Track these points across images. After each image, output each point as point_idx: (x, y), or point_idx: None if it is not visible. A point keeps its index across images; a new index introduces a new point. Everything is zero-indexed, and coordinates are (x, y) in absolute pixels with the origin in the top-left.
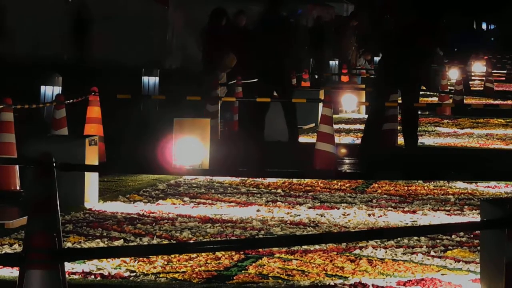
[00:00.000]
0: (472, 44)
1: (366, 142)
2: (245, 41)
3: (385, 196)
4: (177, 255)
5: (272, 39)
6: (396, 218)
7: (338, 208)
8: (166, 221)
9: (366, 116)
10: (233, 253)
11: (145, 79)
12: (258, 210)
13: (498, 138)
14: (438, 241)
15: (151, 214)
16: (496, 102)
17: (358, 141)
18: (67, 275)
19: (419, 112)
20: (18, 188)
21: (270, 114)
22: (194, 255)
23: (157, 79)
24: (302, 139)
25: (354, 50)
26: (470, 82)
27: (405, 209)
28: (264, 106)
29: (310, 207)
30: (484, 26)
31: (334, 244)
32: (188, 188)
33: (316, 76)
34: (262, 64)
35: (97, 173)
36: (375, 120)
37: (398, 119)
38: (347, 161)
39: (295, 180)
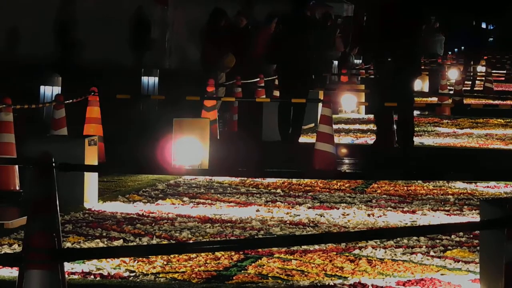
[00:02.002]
0: (474, 43)
1: (378, 142)
2: (244, 40)
3: (384, 196)
4: (176, 255)
5: (297, 39)
6: (395, 218)
7: (338, 208)
8: (166, 221)
9: (365, 117)
10: (233, 253)
11: (144, 79)
12: (257, 210)
13: (498, 138)
14: (437, 241)
15: (150, 214)
16: (496, 102)
17: (358, 141)
18: (66, 275)
19: (419, 112)
20: (17, 188)
21: (269, 114)
22: (194, 255)
23: (156, 79)
24: (302, 139)
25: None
26: (467, 82)
27: (404, 209)
28: (287, 103)
29: (309, 207)
30: (483, 26)
31: (334, 244)
32: (187, 188)
33: (313, 76)
34: (287, 64)
35: (96, 173)
36: (380, 121)
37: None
38: (347, 161)
39: (294, 180)
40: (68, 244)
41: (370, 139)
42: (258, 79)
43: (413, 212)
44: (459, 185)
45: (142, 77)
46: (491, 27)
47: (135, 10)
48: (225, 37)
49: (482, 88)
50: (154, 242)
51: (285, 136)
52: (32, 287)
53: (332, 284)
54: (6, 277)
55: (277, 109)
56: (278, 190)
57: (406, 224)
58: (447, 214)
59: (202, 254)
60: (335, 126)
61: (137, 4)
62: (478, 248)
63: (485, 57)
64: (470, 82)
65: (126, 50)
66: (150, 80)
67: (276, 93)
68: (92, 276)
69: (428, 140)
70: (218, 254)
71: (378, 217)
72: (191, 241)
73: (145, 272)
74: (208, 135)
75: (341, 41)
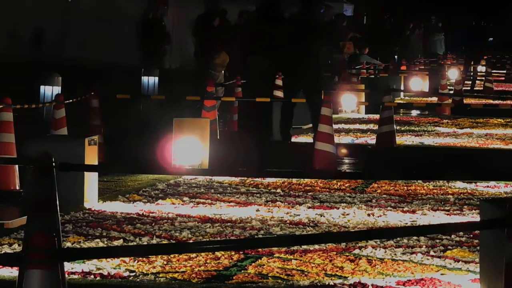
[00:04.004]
0: (474, 43)
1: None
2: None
3: (384, 196)
4: (176, 255)
5: (305, 40)
6: (395, 218)
7: (338, 208)
8: (166, 221)
9: (365, 117)
10: (233, 253)
11: (144, 79)
12: (257, 210)
13: (498, 138)
14: (437, 241)
15: (150, 214)
16: (496, 102)
17: (358, 141)
18: (66, 275)
19: (419, 112)
20: (17, 188)
21: (269, 114)
22: (194, 255)
23: (156, 79)
24: (302, 139)
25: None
26: (467, 82)
27: (404, 209)
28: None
29: (309, 207)
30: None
31: (334, 244)
32: (187, 188)
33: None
34: (293, 63)
35: (96, 173)
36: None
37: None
38: (346, 161)
39: (294, 180)
40: (68, 244)
41: (370, 139)
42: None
43: (413, 212)
44: (459, 185)
45: (142, 77)
46: (491, 27)
47: (143, 11)
48: (217, 36)
49: (482, 88)
50: (154, 242)
51: (286, 135)
52: (32, 287)
53: (332, 284)
54: (6, 277)
55: (281, 109)
56: (278, 190)
57: (406, 224)
58: (447, 214)
59: (202, 254)
60: (335, 126)
61: (138, 5)
62: (478, 248)
63: (485, 57)
64: (470, 82)
65: (127, 50)
66: (150, 80)
67: (277, 93)
68: (92, 276)
69: (428, 140)
70: (218, 254)
71: (378, 217)
72: (191, 241)
73: (145, 272)
74: (208, 135)
75: (352, 43)
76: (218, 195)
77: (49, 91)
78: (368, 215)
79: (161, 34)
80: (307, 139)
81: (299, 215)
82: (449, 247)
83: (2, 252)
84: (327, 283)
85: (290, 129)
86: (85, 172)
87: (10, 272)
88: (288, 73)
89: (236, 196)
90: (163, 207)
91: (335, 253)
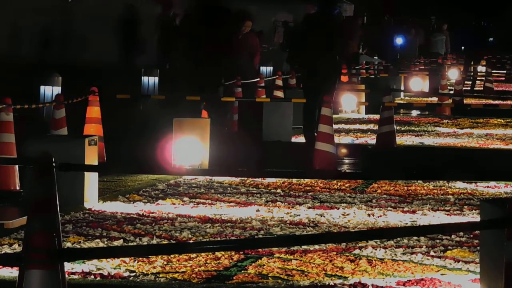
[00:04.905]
0: (474, 43)
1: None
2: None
3: (384, 196)
4: (176, 255)
5: (322, 38)
6: (395, 218)
7: (338, 208)
8: (166, 221)
9: (365, 117)
10: (233, 253)
11: (145, 79)
12: (257, 210)
13: (498, 138)
14: (437, 241)
15: (150, 214)
16: (496, 102)
17: (358, 141)
18: (66, 275)
19: (419, 112)
20: (17, 188)
21: (269, 114)
22: (194, 255)
23: (156, 79)
24: (302, 139)
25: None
26: (467, 82)
27: (404, 209)
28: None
29: (309, 207)
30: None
31: (334, 244)
32: (187, 188)
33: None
34: (311, 63)
35: (96, 173)
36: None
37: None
38: (346, 161)
39: (294, 180)
40: (68, 244)
41: (370, 139)
42: (258, 79)
43: (413, 212)
44: (459, 185)
45: (142, 77)
46: (491, 27)
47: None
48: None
49: (482, 88)
50: (154, 242)
51: (310, 139)
52: (32, 287)
53: (332, 284)
54: (6, 277)
55: (303, 111)
56: (278, 190)
57: (406, 224)
58: (447, 214)
59: (202, 254)
60: (335, 126)
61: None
62: (478, 248)
63: (485, 57)
64: (470, 82)
65: (127, 50)
66: (150, 80)
67: (277, 93)
68: (92, 276)
69: (428, 140)
70: (218, 254)
71: (378, 217)
72: (191, 241)
73: (145, 272)
74: (208, 135)
75: (356, 41)
76: (218, 195)
77: (49, 91)
78: (368, 215)
79: (174, 34)
80: None
81: (299, 215)
82: (449, 247)
83: (2, 252)
84: (327, 283)
85: (314, 131)
86: (85, 172)
87: (10, 272)
88: (312, 73)
89: (236, 196)
90: (163, 207)
91: (335, 253)
